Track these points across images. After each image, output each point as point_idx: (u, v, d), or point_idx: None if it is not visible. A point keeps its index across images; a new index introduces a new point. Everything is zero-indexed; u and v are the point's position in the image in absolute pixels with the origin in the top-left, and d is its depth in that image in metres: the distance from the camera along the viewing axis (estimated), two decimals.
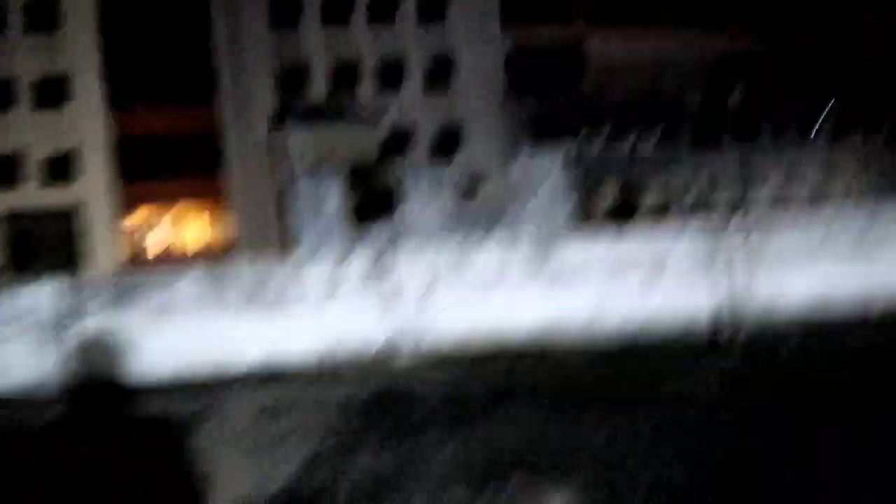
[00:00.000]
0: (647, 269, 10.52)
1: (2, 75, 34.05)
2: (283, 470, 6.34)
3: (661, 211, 30.53)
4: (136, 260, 36.76)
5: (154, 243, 39.76)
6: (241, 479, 6.19)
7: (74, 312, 9.65)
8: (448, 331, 10.43)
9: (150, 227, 39.66)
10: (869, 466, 5.43)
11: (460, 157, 35.09)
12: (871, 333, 10.46)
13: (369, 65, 36.48)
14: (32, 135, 34.22)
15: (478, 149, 36.04)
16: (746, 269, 10.59)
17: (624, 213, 33.53)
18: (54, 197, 34.48)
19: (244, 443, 7.30)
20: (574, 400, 8.29)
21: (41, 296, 9.69)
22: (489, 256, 10.61)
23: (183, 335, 10.02)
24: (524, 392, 8.73)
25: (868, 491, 5.00)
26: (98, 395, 2.49)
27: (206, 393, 9.42)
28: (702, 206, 23.63)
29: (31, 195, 34.21)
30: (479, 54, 36.66)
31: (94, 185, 35.30)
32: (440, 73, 37.36)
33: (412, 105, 36.90)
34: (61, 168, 34.87)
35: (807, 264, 10.88)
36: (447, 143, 37.16)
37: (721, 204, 25.86)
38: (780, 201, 22.02)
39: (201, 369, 10.00)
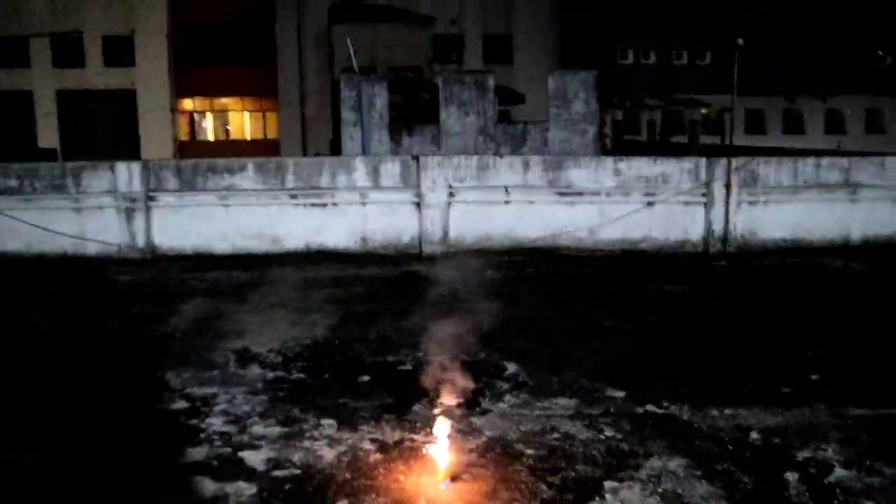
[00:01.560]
0: (647, 191, 11.84)
1: None
2: (316, 328, 7.98)
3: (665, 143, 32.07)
4: (188, 144, 38.55)
5: (205, 130, 41.67)
6: (286, 330, 7.87)
7: (155, 189, 11.35)
8: (470, 229, 11.91)
9: (202, 114, 41.50)
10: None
11: (503, 70, 35.98)
12: (847, 257, 11.76)
13: None
14: (95, 16, 35.33)
15: (522, 62, 36.91)
16: (737, 197, 11.85)
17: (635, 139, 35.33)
18: (112, 79, 35.81)
19: (288, 307, 8.90)
20: (573, 289, 9.87)
21: (124, 173, 11.38)
22: (512, 166, 11.96)
23: (244, 217, 11.61)
24: (531, 280, 10.30)
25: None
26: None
27: (261, 266, 11.12)
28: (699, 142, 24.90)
29: (91, 76, 35.62)
30: None
31: (150, 70, 36.34)
32: None
33: (464, 11, 37.69)
34: (120, 51, 35.89)
35: (795, 196, 12.11)
36: (494, 53, 38.03)
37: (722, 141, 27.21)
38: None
39: (257, 246, 11.67)
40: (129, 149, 33.48)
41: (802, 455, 4.77)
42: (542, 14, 37.77)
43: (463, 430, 5.11)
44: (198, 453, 4.80)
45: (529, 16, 37.83)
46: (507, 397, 5.81)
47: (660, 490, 4.29)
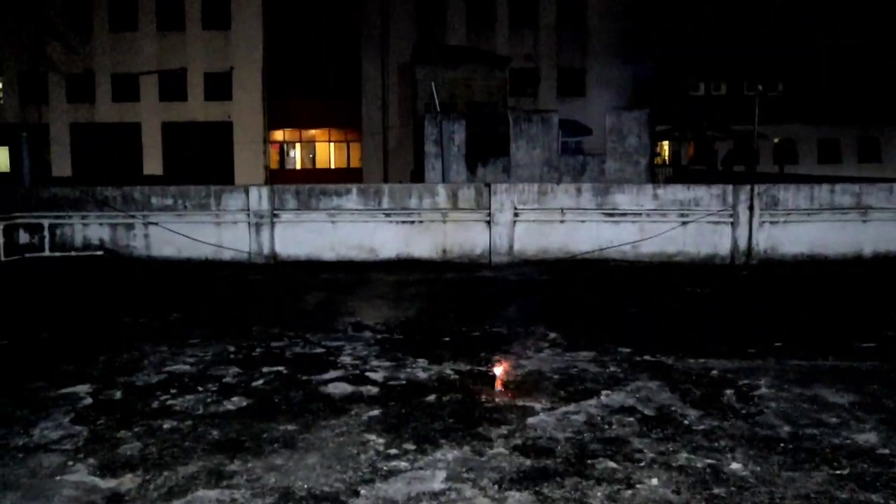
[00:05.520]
0: (682, 212, 14.06)
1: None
2: (409, 311, 10.51)
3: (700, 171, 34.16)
4: (277, 172, 42.01)
5: (293, 159, 45.24)
6: (386, 311, 10.42)
7: (278, 208, 14.15)
8: (531, 243, 14.32)
9: (291, 144, 45.12)
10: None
11: (576, 102, 38.48)
12: (859, 269, 13.73)
13: (504, 6, 40.13)
14: (197, 54, 39.11)
15: (594, 94, 39.22)
16: (759, 218, 13.96)
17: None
18: (211, 112, 39.49)
19: (386, 298, 11.46)
20: (612, 289, 12.17)
21: (256, 195, 14.22)
22: (567, 192, 14.35)
23: (348, 232, 14.30)
24: (578, 283, 12.64)
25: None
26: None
27: (361, 271, 13.76)
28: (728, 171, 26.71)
29: (192, 110, 39.38)
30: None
31: (246, 104, 39.76)
32: (570, 20, 40.47)
33: (539, 46, 40.39)
34: (219, 86, 39.52)
35: (812, 217, 14.14)
36: (568, 86, 40.54)
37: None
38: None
39: (357, 254, 14.34)
40: (223, 176, 37.14)
41: (742, 382, 7.04)
42: (615, 49, 40.07)
43: (513, 365, 7.53)
44: (337, 373, 7.36)
45: (603, 51, 40.20)
46: (547, 350, 8.21)
47: (637, 395, 6.63)
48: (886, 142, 44.71)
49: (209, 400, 6.54)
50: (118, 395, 6.68)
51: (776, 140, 42.96)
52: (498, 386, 6.88)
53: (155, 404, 6.42)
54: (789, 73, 42.19)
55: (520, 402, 6.44)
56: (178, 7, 39.11)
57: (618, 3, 40.08)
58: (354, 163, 44.67)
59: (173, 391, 6.77)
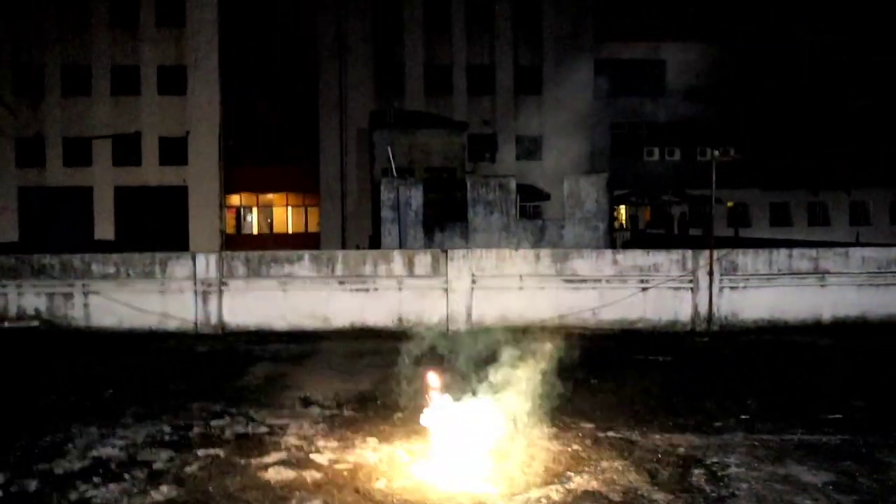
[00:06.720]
0: (641, 278, 13.83)
1: (130, 63, 38.51)
2: (361, 384, 9.99)
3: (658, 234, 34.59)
4: (233, 237, 41.36)
5: (250, 224, 44.66)
6: (337, 385, 9.89)
7: (226, 276, 13.61)
8: (489, 310, 13.93)
9: (248, 208, 44.55)
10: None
11: (534, 166, 38.73)
12: (819, 334, 13.54)
13: (461, 73, 40.54)
14: (152, 119, 38.72)
15: (552, 159, 39.48)
16: (718, 283, 13.78)
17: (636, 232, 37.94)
18: (166, 176, 38.92)
19: (338, 370, 10.94)
20: (572, 358, 11.77)
21: (203, 262, 13.69)
22: (525, 258, 14.06)
23: (299, 300, 13.78)
24: (537, 352, 12.21)
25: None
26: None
27: (313, 340, 13.22)
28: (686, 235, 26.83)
29: (146, 174, 38.78)
30: (569, 68, 40.09)
31: (201, 168, 39.30)
32: (527, 86, 40.99)
33: (497, 113, 40.74)
34: (174, 151, 39.08)
35: (771, 282, 13.99)
36: (525, 151, 40.83)
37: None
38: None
39: (310, 323, 13.80)
40: (178, 241, 36.35)
41: (711, 460, 6.65)
42: (572, 116, 40.40)
43: (469, 445, 7.04)
44: (279, 456, 6.81)
45: (559, 118, 40.52)
46: (503, 429, 7.75)
47: (600, 477, 6.19)
48: (833, 206, 45.60)
49: (135, 490, 5.95)
50: (33, 485, 6.05)
51: (730, 204, 43.52)
52: (453, 468, 6.38)
53: (73, 496, 5.82)
54: (740, 139, 42.99)
55: (477, 489, 5.96)
56: (132, 72, 38.83)
57: (574, 72, 40.68)
58: (312, 227, 44.13)
59: (96, 480, 6.16)
